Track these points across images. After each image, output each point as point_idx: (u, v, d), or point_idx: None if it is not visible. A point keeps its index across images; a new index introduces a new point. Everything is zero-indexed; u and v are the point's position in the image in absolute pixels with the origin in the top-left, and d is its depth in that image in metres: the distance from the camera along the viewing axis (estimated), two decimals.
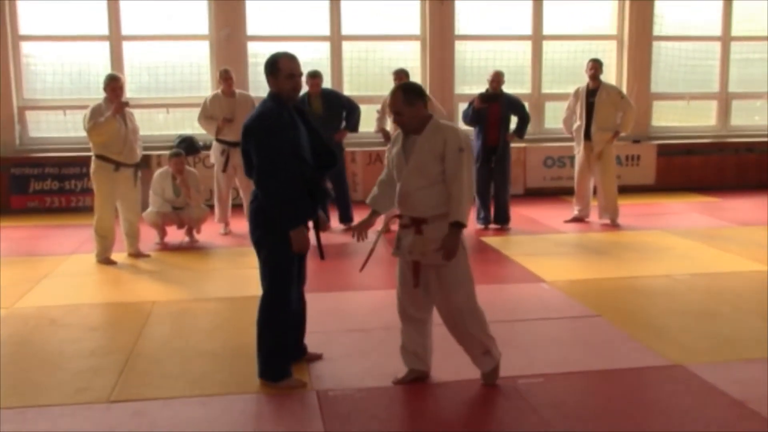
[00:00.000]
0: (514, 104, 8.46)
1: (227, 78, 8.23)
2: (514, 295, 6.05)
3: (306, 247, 4.03)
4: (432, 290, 4.06)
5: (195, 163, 9.94)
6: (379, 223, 4.70)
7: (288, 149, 3.90)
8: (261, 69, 10.71)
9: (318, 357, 4.55)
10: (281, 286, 4.08)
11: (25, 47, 10.27)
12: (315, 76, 8.33)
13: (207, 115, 8.28)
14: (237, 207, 8.59)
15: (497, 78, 8.34)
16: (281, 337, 4.16)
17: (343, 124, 8.56)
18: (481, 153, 8.35)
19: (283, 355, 4.18)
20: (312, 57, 10.54)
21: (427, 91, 9.82)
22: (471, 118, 8.38)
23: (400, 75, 8.36)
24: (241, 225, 7.87)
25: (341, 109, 8.53)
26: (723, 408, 3.88)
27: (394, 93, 4.01)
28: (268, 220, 3.97)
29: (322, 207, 4.46)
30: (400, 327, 4.25)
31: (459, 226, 3.88)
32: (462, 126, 8.52)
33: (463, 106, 10.81)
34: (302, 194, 3.99)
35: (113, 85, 6.85)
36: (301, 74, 4.11)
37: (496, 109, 8.28)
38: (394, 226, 4.33)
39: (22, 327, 5.28)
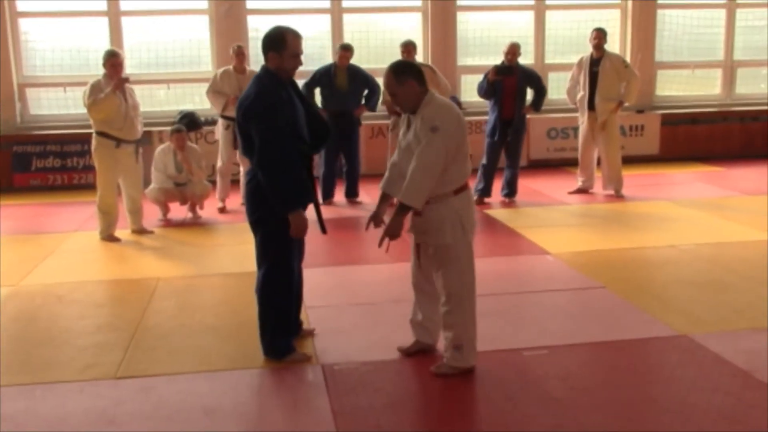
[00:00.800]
0: (530, 76, 8.32)
1: (240, 54, 8.12)
2: (518, 267, 6.05)
3: (304, 231, 3.98)
4: (433, 268, 4.00)
5: (197, 139, 9.88)
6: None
7: (288, 129, 3.84)
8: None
9: (311, 333, 4.52)
10: (283, 264, 4.06)
11: (24, 24, 10.18)
12: (347, 50, 8.31)
13: (216, 89, 8.18)
14: (236, 183, 8.56)
15: (513, 50, 8.14)
16: (284, 314, 4.15)
17: (363, 101, 8.53)
18: (497, 126, 8.25)
19: (286, 332, 4.19)
20: (313, 30, 10.44)
21: (430, 63, 9.80)
22: (485, 90, 8.25)
23: (408, 47, 8.29)
24: (239, 201, 7.85)
25: (364, 86, 8.51)
26: (728, 377, 3.88)
27: (386, 74, 3.83)
28: (265, 200, 3.91)
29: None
30: (413, 298, 4.24)
31: (404, 208, 3.76)
32: (473, 98, 8.41)
33: (465, 78, 10.83)
34: (302, 177, 3.93)
35: (113, 61, 6.79)
36: (302, 53, 4.00)
37: (511, 81, 8.14)
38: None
39: (28, 304, 5.30)
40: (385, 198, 4.11)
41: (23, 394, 3.85)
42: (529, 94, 8.37)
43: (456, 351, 3.95)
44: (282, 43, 3.87)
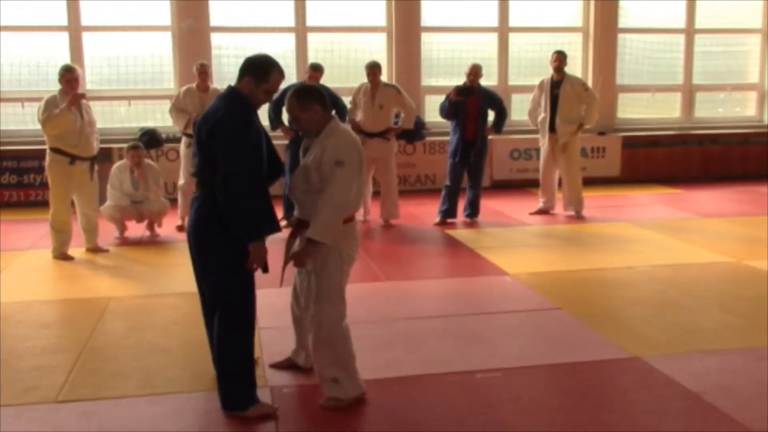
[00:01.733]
0: (491, 98, 8.36)
1: (203, 72, 8.04)
2: (476, 288, 6.02)
3: (263, 261, 3.61)
4: (304, 294, 3.92)
5: (158, 156, 9.79)
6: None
7: (255, 155, 3.57)
8: (225, 61, 10.54)
9: (255, 362, 4.14)
10: (244, 300, 3.67)
11: None
12: (317, 70, 8.21)
13: (179, 107, 8.09)
14: None
15: (474, 71, 8.18)
16: (247, 358, 3.72)
17: None
18: (459, 147, 8.26)
19: (249, 378, 3.73)
20: (277, 49, 10.43)
21: (394, 82, 9.82)
22: (447, 111, 8.27)
23: (374, 69, 8.28)
24: None
25: (332, 106, 8.41)
26: (678, 400, 3.87)
27: (288, 98, 3.75)
28: (222, 228, 3.54)
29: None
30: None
31: (313, 242, 3.67)
32: (435, 118, 8.44)
33: (429, 99, 10.87)
34: (269, 203, 3.64)
35: (68, 76, 6.68)
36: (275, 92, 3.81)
37: (473, 102, 8.17)
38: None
39: None
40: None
41: None
42: (491, 115, 8.41)
43: (333, 384, 3.83)
44: (265, 76, 3.59)
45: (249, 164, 3.49)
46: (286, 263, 3.91)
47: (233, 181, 3.46)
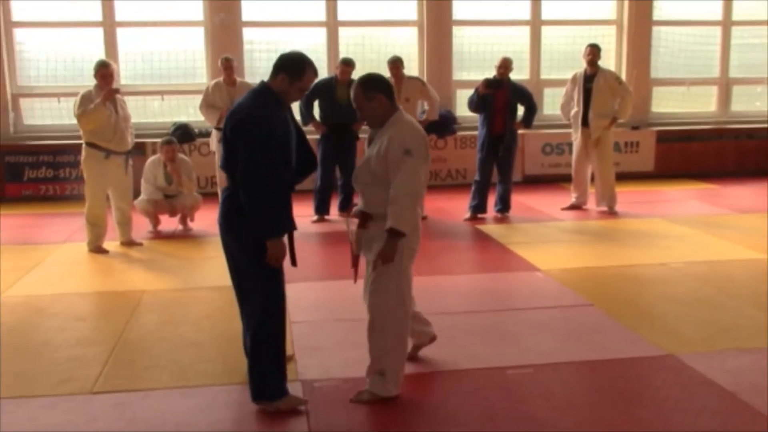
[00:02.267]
0: (520, 92, 8.29)
1: (228, 66, 8.11)
2: (507, 284, 5.99)
3: (281, 260, 3.61)
4: (366, 286, 3.92)
5: (191, 150, 9.88)
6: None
7: (279, 151, 3.53)
8: (257, 56, 10.57)
9: (290, 358, 4.23)
10: (274, 288, 3.68)
11: (18, 34, 10.19)
12: (348, 65, 8.26)
13: (209, 103, 8.17)
14: None
15: (505, 64, 8.11)
16: (278, 350, 3.73)
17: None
18: (487, 141, 8.21)
19: (280, 369, 3.75)
20: (308, 43, 10.45)
21: (425, 78, 9.79)
22: (475, 104, 8.21)
23: (396, 63, 8.30)
24: None
25: None
26: (713, 398, 3.82)
27: (354, 88, 3.77)
28: (240, 214, 3.56)
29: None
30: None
31: (395, 233, 3.64)
32: (465, 112, 8.41)
33: (461, 93, 10.81)
34: (288, 201, 3.64)
35: (103, 71, 6.76)
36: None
37: (502, 96, 8.11)
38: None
39: (9, 316, 5.23)
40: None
41: None
42: (521, 110, 8.34)
43: (379, 376, 3.84)
44: (299, 74, 3.58)
45: (269, 162, 3.48)
46: (357, 257, 3.93)
47: (251, 180, 3.49)
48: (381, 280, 3.78)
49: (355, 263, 3.96)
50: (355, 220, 3.94)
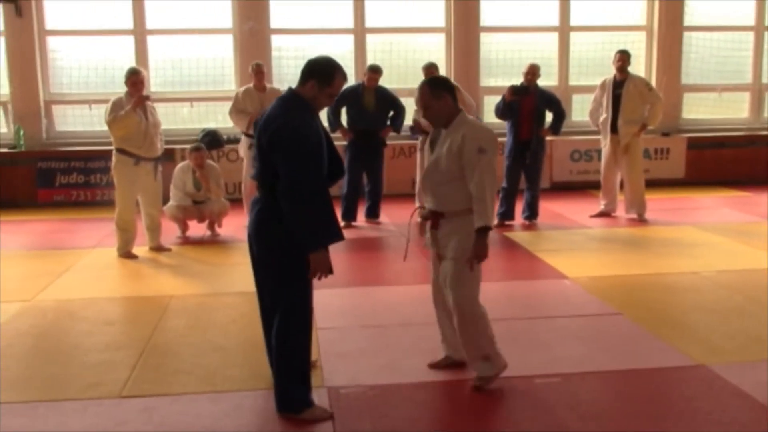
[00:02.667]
0: (548, 99, 8.26)
1: (259, 72, 8.15)
2: (535, 291, 5.94)
3: (325, 270, 3.56)
4: (444, 282, 4.04)
5: (219, 157, 9.95)
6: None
7: (317, 160, 3.52)
8: (285, 62, 10.62)
9: (313, 365, 4.12)
10: (301, 304, 3.66)
11: (51, 42, 10.36)
12: (376, 71, 8.33)
13: (239, 108, 8.20)
14: None
15: (532, 71, 8.09)
16: (303, 362, 3.73)
17: (389, 122, 8.55)
18: (514, 148, 8.18)
19: (305, 380, 3.74)
20: (336, 50, 10.49)
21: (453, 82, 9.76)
22: (502, 111, 8.19)
23: (431, 69, 8.33)
24: None
25: (390, 108, 8.52)
26: (746, 411, 3.74)
27: (421, 87, 3.96)
28: (283, 233, 3.53)
29: None
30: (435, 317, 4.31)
31: (486, 229, 3.82)
32: (493, 119, 8.42)
33: (488, 99, 10.77)
34: (332, 210, 3.58)
35: (134, 78, 6.84)
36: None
37: (529, 102, 8.07)
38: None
39: (40, 320, 5.31)
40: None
41: (25, 410, 3.83)
42: (549, 116, 8.29)
43: (484, 362, 3.99)
44: (329, 80, 3.57)
45: (310, 172, 3.47)
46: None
47: (295, 192, 3.46)
48: (463, 273, 3.91)
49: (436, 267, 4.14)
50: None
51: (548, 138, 8.52)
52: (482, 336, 3.97)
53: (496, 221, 8.28)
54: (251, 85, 8.23)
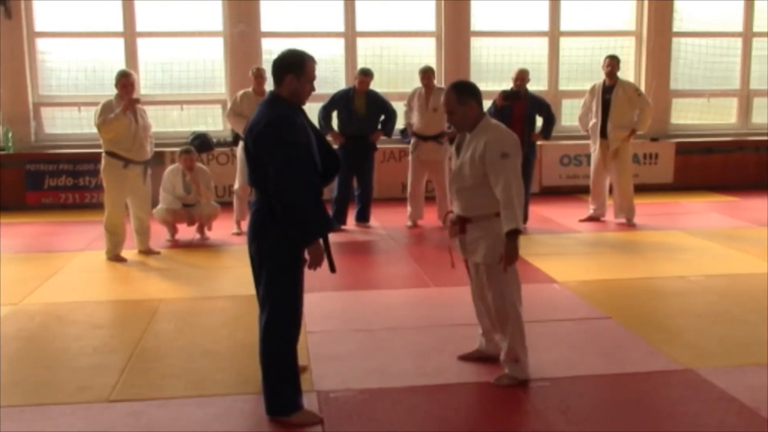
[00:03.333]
0: (539, 104, 8.29)
1: (259, 76, 8.08)
2: (524, 295, 5.84)
3: (321, 262, 3.65)
4: (480, 285, 4.18)
5: (209, 160, 9.93)
6: None
7: (305, 155, 3.55)
8: None
9: (303, 369, 4.18)
10: (292, 305, 3.68)
11: (41, 44, 10.31)
12: (366, 74, 8.35)
13: (236, 111, 8.12)
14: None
15: (521, 76, 8.13)
16: (290, 364, 3.72)
17: (379, 126, 8.56)
18: None
19: (293, 384, 3.74)
20: (326, 54, 10.48)
21: (443, 86, 9.79)
22: (493, 116, 8.18)
23: (428, 73, 8.38)
24: None
25: (381, 112, 8.53)
26: (733, 414, 3.77)
27: (447, 92, 3.99)
28: (278, 233, 3.57)
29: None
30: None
31: (515, 233, 3.87)
32: None
33: None
34: (322, 204, 3.65)
35: (124, 81, 6.82)
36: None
37: (519, 107, 8.09)
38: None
39: (28, 323, 5.28)
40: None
41: (13, 415, 3.81)
42: (539, 121, 8.32)
43: (514, 363, 4.09)
44: (301, 67, 3.62)
45: (298, 168, 3.50)
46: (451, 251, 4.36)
47: (284, 189, 3.49)
48: (500, 276, 4.02)
49: (467, 267, 4.28)
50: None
51: (538, 143, 8.54)
52: (515, 337, 4.09)
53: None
54: (250, 89, 8.19)
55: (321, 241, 3.66)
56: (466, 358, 4.44)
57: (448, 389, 4.11)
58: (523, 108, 8.11)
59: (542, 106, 8.30)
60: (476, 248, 4.05)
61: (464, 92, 3.95)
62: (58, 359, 4.62)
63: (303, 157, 3.54)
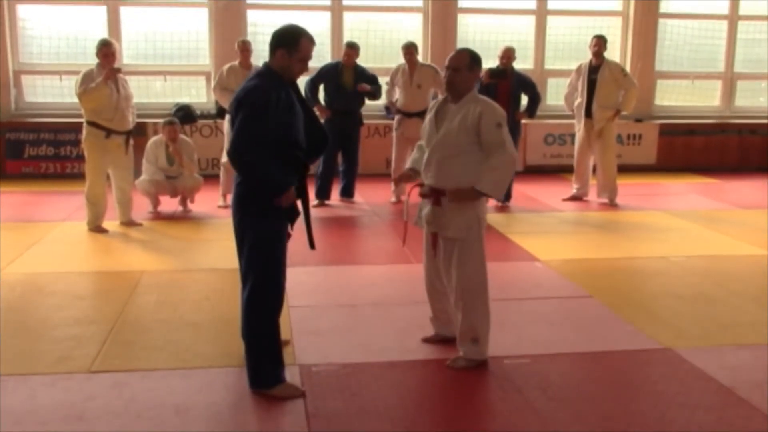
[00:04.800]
0: (524, 82, 8.28)
1: (245, 50, 7.96)
2: (506, 273, 5.97)
3: (292, 201, 3.67)
4: (446, 262, 4.07)
5: (192, 132, 9.84)
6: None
7: (275, 132, 3.50)
8: (261, 38, 10.53)
9: (286, 343, 4.18)
10: (273, 274, 3.67)
11: (21, 10, 10.13)
12: (353, 48, 8.28)
13: (223, 85, 7.98)
14: None
15: (507, 54, 8.12)
16: (272, 337, 3.72)
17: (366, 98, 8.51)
18: None
19: (276, 357, 3.75)
20: (313, 27, 10.26)
21: (430, 63, 9.74)
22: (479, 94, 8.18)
23: (410, 49, 8.35)
24: None
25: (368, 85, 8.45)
26: (710, 394, 3.82)
27: (461, 52, 4.01)
28: (251, 199, 3.59)
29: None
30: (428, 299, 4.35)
31: (478, 193, 3.89)
32: None
33: None
34: (281, 167, 3.59)
35: (105, 50, 6.73)
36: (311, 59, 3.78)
37: (505, 86, 8.07)
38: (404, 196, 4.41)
39: (8, 293, 5.23)
40: (412, 170, 4.18)
41: None
42: (525, 100, 8.31)
43: (473, 344, 4.04)
44: (295, 44, 3.57)
45: (259, 137, 3.46)
46: (406, 223, 4.33)
47: (241, 151, 3.49)
48: (464, 253, 3.98)
49: (434, 242, 4.13)
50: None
51: (522, 121, 8.54)
52: (479, 317, 4.03)
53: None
54: (237, 62, 8.08)
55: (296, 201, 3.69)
56: (428, 340, 4.39)
57: (430, 365, 4.13)
58: (509, 86, 8.10)
59: (528, 85, 8.29)
60: (449, 223, 3.99)
61: (476, 60, 3.99)
62: (38, 329, 4.59)
63: (269, 130, 3.48)
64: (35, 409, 3.55)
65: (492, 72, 8.04)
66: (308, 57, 3.66)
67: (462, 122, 3.90)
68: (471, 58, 3.97)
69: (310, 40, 3.64)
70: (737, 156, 11.30)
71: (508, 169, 3.92)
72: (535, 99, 8.32)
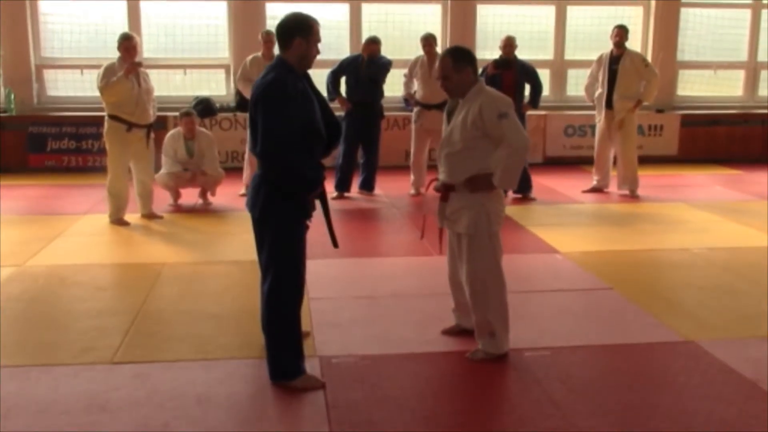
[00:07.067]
0: (527, 71, 8.23)
1: (268, 41, 7.98)
2: (526, 265, 5.96)
3: (312, 209, 3.71)
4: (459, 257, 4.08)
5: (212, 125, 9.89)
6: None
7: (298, 123, 3.49)
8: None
9: (306, 334, 4.20)
10: (293, 268, 3.68)
11: (43, 5, 10.22)
12: (375, 42, 8.33)
13: (246, 77, 8.02)
14: None
15: (509, 42, 8.10)
16: (293, 329, 3.74)
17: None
18: None
19: (296, 348, 3.76)
20: (331, 19, 10.37)
21: None
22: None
23: (429, 40, 8.32)
24: None
25: (385, 75, 8.46)
26: (732, 386, 3.79)
27: (443, 58, 3.93)
28: (273, 194, 3.58)
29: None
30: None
31: (491, 184, 3.87)
32: None
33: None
34: (310, 164, 3.61)
35: (126, 44, 6.78)
36: None
37: (510, 76, 8.04)
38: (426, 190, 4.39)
39: (32, 285, 5.30)
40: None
41: (17, 375, 3.84)
42: (528, 90, 8.27)
43: (490, 338, 4.03)
44: (309, 29, 3.59)
45: (289, 133, 3.47)
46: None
47: (271, 145, 3.47)
48: (473, 249, 3.96)
49: (440, 238, 4.18)
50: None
51: (542, 112, 8.50)
52: (492, 311, 4.01)
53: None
54: (260, 53, 8.10)
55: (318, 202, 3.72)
56: (448, 332, 4.39)
57: (450, 357, 4.13)
58: (514, 76, 8.07)
59: (530, 74, 8.24)
60: (459, 218, 3.98)
61: (460, 58, 3.89)
62: (61, 321, 4.64)
63: (295, 123, 3.49)
64: (59, 399, 3.59)
65: (497, 63, 8.04)
66: (320, 39, 3.69)
67: (465, 118, 3.88)
68: (453, 60, 3.88)
69: (317, 23, 3.69)
70: (761, 146, 11.15)
71: (513, 159, 3.82)
72: (538, 88, 8.25)
